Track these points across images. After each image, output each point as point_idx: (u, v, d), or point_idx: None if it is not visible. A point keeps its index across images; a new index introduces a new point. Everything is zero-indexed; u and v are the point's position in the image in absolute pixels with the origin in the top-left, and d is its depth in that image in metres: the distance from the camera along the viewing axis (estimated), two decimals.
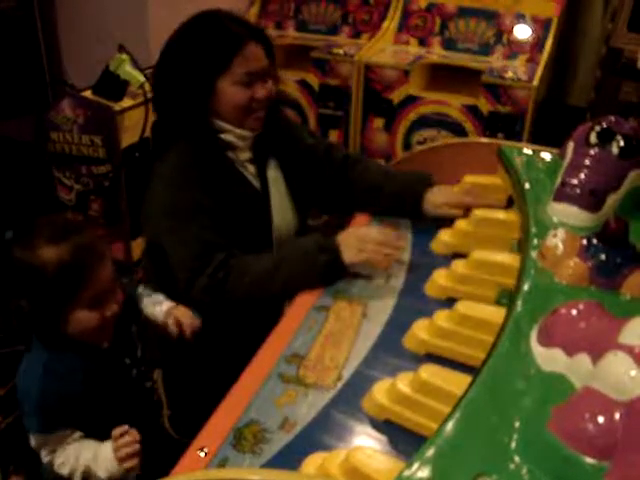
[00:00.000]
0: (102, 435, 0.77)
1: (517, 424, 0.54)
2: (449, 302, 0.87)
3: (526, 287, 0.74)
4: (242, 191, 1.06)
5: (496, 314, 0.75)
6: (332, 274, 0.97)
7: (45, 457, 0.78)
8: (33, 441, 0.79)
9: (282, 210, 1.12)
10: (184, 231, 0.97)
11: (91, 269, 0.76)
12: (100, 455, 0.75)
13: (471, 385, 0.59)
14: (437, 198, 1.11)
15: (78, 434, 0.77)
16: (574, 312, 0.62)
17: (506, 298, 0.86)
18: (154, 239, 1.04)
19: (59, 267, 0.73)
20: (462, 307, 0.80)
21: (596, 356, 0.54)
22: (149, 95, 1.64)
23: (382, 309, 0.91)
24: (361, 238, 0.98)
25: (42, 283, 0.74)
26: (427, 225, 1.14)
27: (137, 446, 0.74)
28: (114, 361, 0.83)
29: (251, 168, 1.09)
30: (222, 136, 1.03)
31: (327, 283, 0.96)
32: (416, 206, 1.12)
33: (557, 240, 0.79)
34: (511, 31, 2.28)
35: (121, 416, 0.80)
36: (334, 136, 2.34)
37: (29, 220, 0.79)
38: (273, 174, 1.12)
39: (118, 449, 0.74)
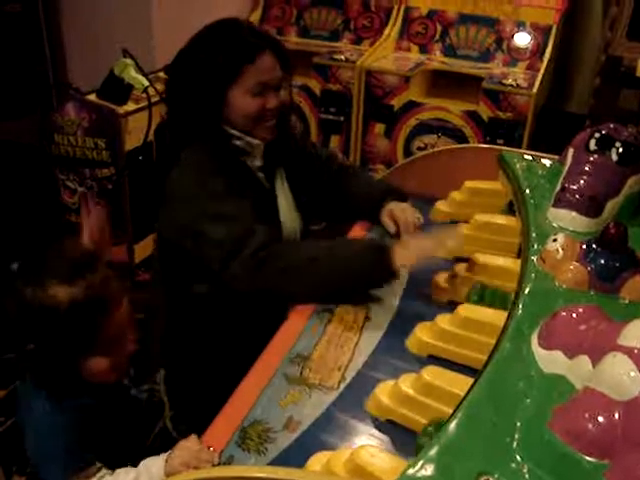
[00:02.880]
0: (110, 459, 0.73)
1: (518, 424, 0.55)
2: (451, 305, 0.88)
3: (527, 291, 0.76)
4: (255, 192, 1.07)
5: (497, 317, 0.76)
6: (378, 277, 0.90)
7: None
8: None
9: (289, 216, 1.13)
10: (221, 211, 0.95)
11: (106, 311, 0.68)
12: (143, 476, 0.69)
13: (473, 386, 0.60)
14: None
15: (99, 466, 0.71)
16: (574, 315, 0.63)
17: (477, 295, 0.88)
18: (180, 234, 0.99)
19: (72, 308, 0.66)
20: (463, 310, 0.81)
21: (596, 358, 0.55)
22: (153, 99, 1.66)
23: (385, 312, 0.93)
24: (412, 244, 0.93)
25: (55, 325, 0.66)
26: (429, 229, 1.16)
27: (208, 465, 0.66)
28: (117, 389, 0.78)
29: (260, 175, 1.10)
30: (235, 142, 1.05)
31: (371, 287, 0.91)
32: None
33: (557, 245, 0.80)
34: (511, 38, 2.31)
35: (122, 429, 0.76)
36: (335, 141, 2.35)
37: (36, 249, 0.72)
38: (280, 181, 1.13)
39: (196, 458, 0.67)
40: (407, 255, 0.91)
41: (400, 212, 1.10)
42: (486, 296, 0.89)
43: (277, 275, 0.92)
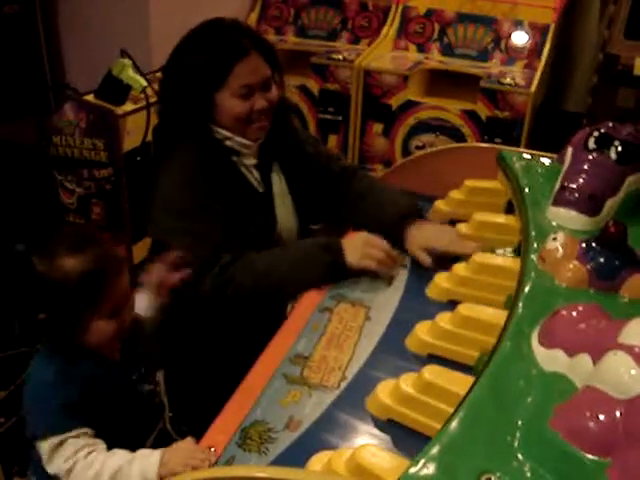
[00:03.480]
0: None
1: (520, 422, 0.55)
2: (451, 304, 0.89)
3: (527, 289, 0.76)
4: (245, 194, 1.07)
5: (497, 316, 0.77)
6: (334, 274, 0.98)
7: (62, 463, 0.72)
8: (46, 446, 0.73)
9: (285, 215, 1.13)
10: (190, 231, 0.98)
11: (112, 278, 0.75)
12: (137, 460, 0.70)
13: (474, 385, 0.60)
14: (417, 241, 1.04)
15: (88, 431, 0.74)
16: (574, 313, 0.63)
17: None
18: (161, 237, 1.04)
19: (82, 277, 0.72)
20: (464, 309, 0.81)
21: (596, 356, 0.56)
22: (151, 100, 1.66)
23: (385, 311, 0.93)
24: (367, 243, 0.98)
25: (64, 293, 0.72)
26: None
27: (205, 464, 0.68)
28: (123, 375, 0.82)
29: (256, 173, 1.10)
30: (226, 142, 1.04)
31: (328, 283, 0.98)
32: (398, 240, 1.06)
33: (557, 244, 0.80)
34: (509, 37, 2.31)
35: (124, 424, 0.78)
36: (333, 141, 2.35)
37: (40, 230, 0.80)
38: (277, 180, 1.13)
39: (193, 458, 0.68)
40: (356, 253, 0.97)
41: (435, 242, 1.02)
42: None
43: (248, 284, 0.97)
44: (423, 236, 1.04)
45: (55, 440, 0.72)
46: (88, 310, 0.74)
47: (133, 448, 0.74)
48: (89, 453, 0.72)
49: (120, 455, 0.72)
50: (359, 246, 0.98)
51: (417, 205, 1.14)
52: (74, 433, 0.72)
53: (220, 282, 0.96)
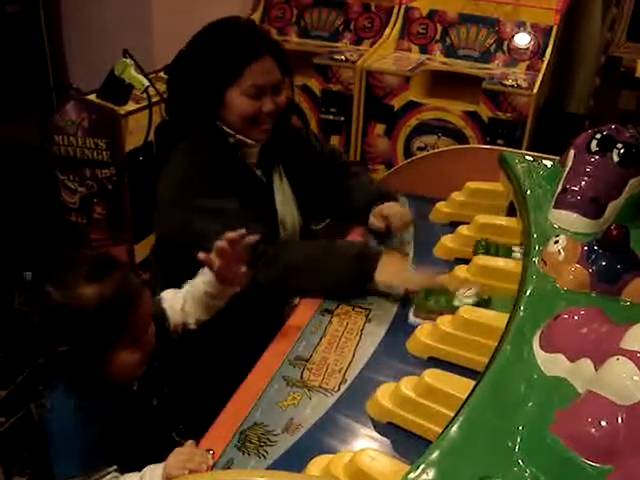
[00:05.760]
0: (120, 462, 0.73)
1: (520, 427, 0.55)
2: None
3: (528, 293, 0.75)
4: (251, 187, 1.07)
5: (498, 319, 0.76)
6: (361, 284, 0.96)
7: None
8: None
9: (287, 212, 1.13)
10: (220, 207, 0.96)
11: (133, 306, 0.71)
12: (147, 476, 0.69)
13: (474, 389, 0.60)
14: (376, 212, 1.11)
15: (114, 469, 0.72)
16: (576, 318, 0.63)
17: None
18: (189, 223, 0.99)
19: (101, 307, 0.68)
20: (465, 312, 0.81)
21: (598, 361, 0.55)
22: (153, 99, 1.66)
23: (385, 313, 0.92)
24: (397, 265, 0.98)
25: (83, 325, 0.68)
26: (429, 230, 1.16)
27: (203, 467, 0.67)
28: (143, 403, 0.78)
29: (258, 172, 1.10)
30: (229, 139, 1.04)
31: (354, 289, 0.96)
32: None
33: (558, 246, 0.80)
34: (511, 39, 2.30)
35: (139, 441, 0.76)
36: (335, 141, 2.35)
37: (50, 257, 0.74)
38: (278, 178, 1.13)
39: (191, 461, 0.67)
40: (389, 273, 0.95)
41: (387, 209, 1.10)
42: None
43: (276, 272, 0.95)
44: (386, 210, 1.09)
45: None
46: (110, 341, 0.70)
47: (141, 456, 0.73)
48: None
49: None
50: (393, 270, 0.97)
51: (388, 191, 1.17)
52: (96, 476, 0.70)
53: (269, 260, 0.94)
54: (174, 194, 1.01)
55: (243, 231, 0.81)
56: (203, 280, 0.85)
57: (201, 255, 0.81)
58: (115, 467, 0.72)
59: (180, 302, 0.86)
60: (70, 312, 0.68)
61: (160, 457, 0.71)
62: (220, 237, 0.83)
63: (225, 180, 1.01)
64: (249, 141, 1.05)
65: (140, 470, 0.71)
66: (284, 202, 1.12)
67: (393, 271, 0.97)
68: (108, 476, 0.71)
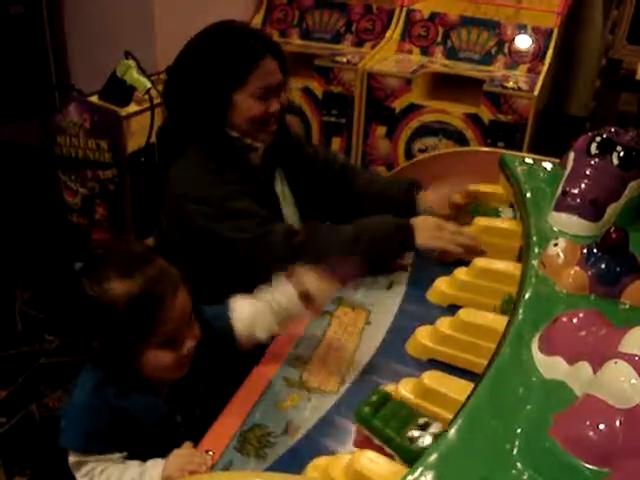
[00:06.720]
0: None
1: (519, 430, 0.55)
2: (451, 309, 0.88)
3: (527, 295, 0.76)
4: (257, 191, 1.07)
5: (498, 322, 0.76)
6: (403, 252, 1.03)
7: (80, 478, 0.72)
8: (70, 457, 0.73)
9: (289, 216, 1.14)
10: (235, 212, 0.98)
11: (165, 303, 0.69)
12: (147, 472, 0.70)
13: (473, 392, 0.60)
14: (428, 197, 1.15)
15: (118, 455, 0.72)
16: (575, 320, 0.63)
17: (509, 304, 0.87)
18: (199, 231, 1.00)
19: (130, 303, 0.68)
20: (464, 314, 0.81)
21: (596, 364, 0.55)
22: (155, 101, 1.67)
23: (385, 315, 0.93)
24: (438, 225, 1.02)
25: (113, 320, 0.68)
26: None
27: (202, 469, 0.67)
28: (166, 414, 0.75)
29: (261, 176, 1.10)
30: (235, 143, 1.05)
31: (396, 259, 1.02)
32: (407, 208, 1.15)
33: (558, 249, 0.80)
34: (512, 41, 2.31)
35: (148, 445, 0.74)
36: (337, 143, 2.36)
37: (97, 250, 0.75)
38: (279, 182, 1.14)
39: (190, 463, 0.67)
40: (431, 236, 1.00)
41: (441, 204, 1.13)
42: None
43: (316, 255, 0.91)
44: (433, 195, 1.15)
45: (76, 458, 0.72)
46: (139, 338, 0.70)
47: (145, 447, 0.74)
48: (103, 470, 0.71)
49: (133, 469, 0.71)
50: (430, 227, 1.01)
51: (415, 180, 1.20)
52: (94, 458, 0.72)
53: (287, 243, 0.96)
54: (190, 202, 0.99)
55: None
56: (285, 295, 0.79)
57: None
58: (125, 454, 0.72)
59: (252, 314, 0.80)
60: (99, 307, 0.69)
61: (163, 448, 0.71)
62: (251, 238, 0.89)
63: (237, 184, 1.01)
64: (256, 143, 1.06)
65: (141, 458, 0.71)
66: (286, 206, 1.13)
67: (432, 233, 1.00)
68: (113, 456, 0.72)
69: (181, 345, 0.72)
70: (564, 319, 0.64)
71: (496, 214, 1.09)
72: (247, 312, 0.81)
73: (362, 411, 0.63)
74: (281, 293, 0.80)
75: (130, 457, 0.74)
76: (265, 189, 1.09)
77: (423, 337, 0.83)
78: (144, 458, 0.72)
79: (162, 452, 0.72)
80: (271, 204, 1.10)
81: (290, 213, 1.14)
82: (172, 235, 1.06)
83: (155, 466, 0.70)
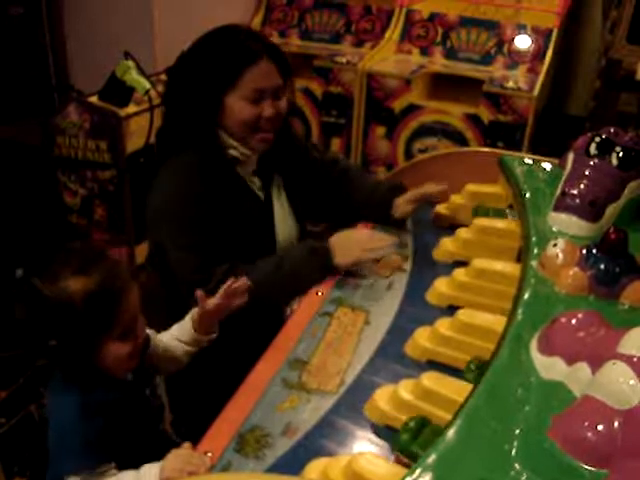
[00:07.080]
0: (118, 460, 0.74)
1: (517, 431, 0.55)
2: (450, 310, 0.88)
3: (526, 296, 0.76)
4: (247, 202, 1.07)
5: (497, 322, 0.76)
6: (326, 274, 1.02)
7: None
8: None
9: (284, 221, 1.13)
10: (186, 241, 0.99)
11: (121, 298, 0.72)
12: (145, 475, 0.70)
13: (472, 392, 0.60)
14: (397, 203, 1.15)
15: (113, 466, 0.73)
16: (574, 321, 0.63)
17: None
18: (158, 241, 1.05)
19: (88, 299, 0.69)
20: (463, 315, 0.81)
21: (595, 365, 0.55)
22: (154, 102, 1.67)
23: (384, 316, 0.92)
24: (357, 239, 1.04)
25: (72, 318, 0.69)
26: (429, 233, 1.16)
27: (201, 470, 0.68)
28: (137, 394, 0.79)
29: (256, 180, 1.10)
30: (229, 151, 1.05)
31: (321, 282, 1.01)
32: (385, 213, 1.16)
33: (557, 250, 0.80)
34: (512, 41, 2.31)
35: (131, 432, 0.76)
36: (336, 144, 2.36)
37: (40, 254, 0.76)
38: (276, 187, 1.13)
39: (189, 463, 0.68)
40: (347, 254, 1.01)
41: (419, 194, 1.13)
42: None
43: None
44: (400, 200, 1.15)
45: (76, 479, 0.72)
46: (99, 333, 0.71)
47: (134, 450, 0.74)
48: None
49: (128, 477, 0.71)
50: (345, 246, 1.02)
51: (399, 183, 1.20)
52: (95, 473, 0.71)
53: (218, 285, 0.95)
54: (158, 214, 1.02)
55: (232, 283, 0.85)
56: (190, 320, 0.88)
57: (199, 293, 0.84)
58: (113, 464, 0.73)
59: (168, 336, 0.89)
60: (56, 305, 0.69)
61: (156, 455, 0.72)
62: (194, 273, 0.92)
63: (217, 198, 1.02)
64: (248, 152, 1.05)
65: (135, 468, 0.71)
66: (282, 214, 1.13)
67: (349, 251, 1.01)
68: (109, 472, 0.72)
69: (136, 335, 0.76)
70: (563, 320, 0.64)
71: (503, 215, 1.08)
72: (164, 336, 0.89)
73: (401, 438, 0.62)
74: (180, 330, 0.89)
75: (119, 458, 0.74)
76: (256, 201, 1.09)
77: (422, 338, 0.83)
78: (135, 465, 0.72)
79: (153, 454, 0.72)
80: (263, 213, 1.10)
81: (285, 221, 1.14)
82: (152, 239, 1.09)
83: (151, 468, 0.70)
